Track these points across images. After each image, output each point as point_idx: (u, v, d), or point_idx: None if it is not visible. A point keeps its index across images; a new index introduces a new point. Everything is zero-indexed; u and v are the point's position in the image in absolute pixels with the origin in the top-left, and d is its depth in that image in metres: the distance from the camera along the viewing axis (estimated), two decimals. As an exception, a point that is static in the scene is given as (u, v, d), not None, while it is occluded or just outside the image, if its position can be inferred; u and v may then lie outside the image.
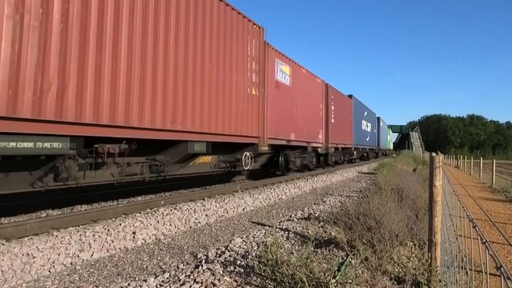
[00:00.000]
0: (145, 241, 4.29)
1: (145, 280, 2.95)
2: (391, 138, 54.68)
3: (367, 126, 27.02)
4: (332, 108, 16.21)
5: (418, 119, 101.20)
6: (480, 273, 2.55)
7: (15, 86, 3.89)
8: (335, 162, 18.33)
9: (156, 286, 2.82)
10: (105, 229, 4.33)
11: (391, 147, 55.15)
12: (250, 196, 7.59)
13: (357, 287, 2.68)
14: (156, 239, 4.40)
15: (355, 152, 22.29)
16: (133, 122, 5.27)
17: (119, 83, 5.04)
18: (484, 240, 1.88)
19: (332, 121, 16.07)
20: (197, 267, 3.18)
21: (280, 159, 11.53)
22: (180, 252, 3.87)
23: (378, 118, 34.42)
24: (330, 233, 4.36)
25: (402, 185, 7.25)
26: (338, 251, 3.64)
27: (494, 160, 14.29)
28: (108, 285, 2.97)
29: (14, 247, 3.50)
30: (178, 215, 5.32)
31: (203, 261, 3.38)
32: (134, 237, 4.28)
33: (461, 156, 29.18)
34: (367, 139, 26.98)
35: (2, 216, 5.24)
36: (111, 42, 4.94)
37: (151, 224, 4.73)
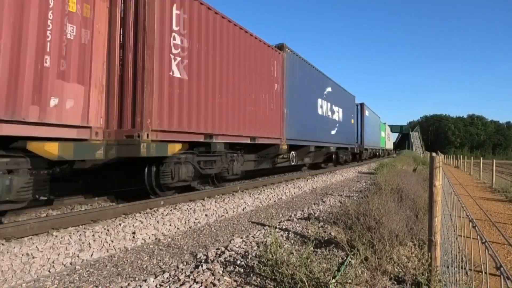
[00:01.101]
0: (144, 241, 4.29)
1: (145, 280, 2.95)
2: (387, 135, 43.72)
3: (332, 111, 16.04)
4: (182, 41, 6.53)
5: (418, 119, 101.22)
6: (480, 273, 2.54)
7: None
8: (213, 179, 8.40)
9: (156, 286, 2.82)
10: (104, 229, 4.33)
11: (388, 146, 44.52)
12: (250, 196, 7.59)
13: (357, 287, 2.67)
14: (156, 239, 4.40)
15: (293, 154, 11.93)
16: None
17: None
18: (484, 240, 1.88)
19: (179, 75, 6.46)
20: (197, 267, 3.18)
21: None
22: (180, 252, 3.87)
23: (362, 105, 24.31)
24: (330, 233, 4.36)
25: (402, 185, 7.25)
26: (338, 251, 3.63)
27: (494, 160, 14.29)
28: (108, 285, 2.97)
29: (14, 247, 3.50)
30: (178, 215, 5.32)
31: (203, 261, 3.37)
32: (133, 237, 4.28)
33: (461, 156, 29.17)
34: (333, 131, 16.16)
35: (2, 216, 5.24)
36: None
37: (150, 224, 4.73)
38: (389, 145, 48.23)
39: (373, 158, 33.05)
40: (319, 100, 14.34)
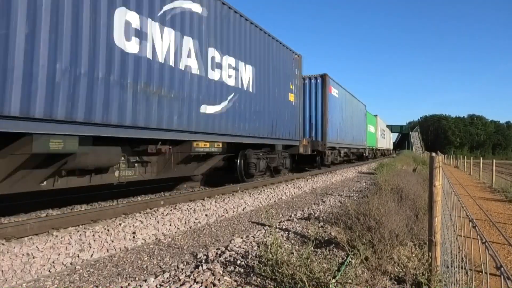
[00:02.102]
0: (145, 241, 4.29)
1: (145, 280, 2.95)
2: (380, 131, 35.11)
3: (207, 62, 7.32)
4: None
5: (418, 119, 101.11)
6: (480, 273, 2.55)
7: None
8: None
9: (156, 286, 2.82)
10: (105, 229, 4.33)
11: (381, 144, 35.77)
12: (250, 196, 7.59)
13: (357, 287, 2.68)
14: (156, 239, 4.40)
15: None
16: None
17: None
18: (484, 240, 1.89)
19: None
20: (197, 267, 3.18)
21: None
22: (180, 252, 3.87)
23: (323, 78, 15.17)
24: (330, 233, 4.36)
25: (402, 185, 7.25)
26: (338, 251, 3.64)
27: (494, 160, 14.30)
28: (108, 285, 2.97)
29: (14, 247, 3.50)
30: (178, 215, 5.32)
31: (203, 261, 3.38)
32: (134, 237, 4.28)
33: (461, 156, 29.18)
34: (213, 108, 7.51)
35: (2, 216, 5.24)
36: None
37: (151, 224, 4.73)
38: (384, 144, 39.20)
39: (358, 161, 24.26)
40: (132, 17, 5.53)
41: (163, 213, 5.33)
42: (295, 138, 11.87)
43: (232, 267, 3.10)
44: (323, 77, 15.20)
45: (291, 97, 11.45)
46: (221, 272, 2.97)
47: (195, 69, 6.95)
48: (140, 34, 5.70)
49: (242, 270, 3.03)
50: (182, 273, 3.02)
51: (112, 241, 4.04)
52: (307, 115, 14.86)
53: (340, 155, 18.14)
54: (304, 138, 12.87)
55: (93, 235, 4.10)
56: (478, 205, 8.18)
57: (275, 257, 2.85)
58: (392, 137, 58.44)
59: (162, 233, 4.60)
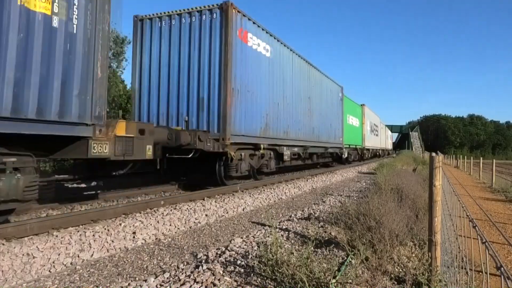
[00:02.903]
0: (145, 241, 4.29)
1: (145, 280, 2.95)
2: (370, 126, 28.32)
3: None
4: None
5: (418, 119, 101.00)
6: (480, 273, 2.55)
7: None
8: None
9: (156, 286, 2.82)
10: (105, 229, 4.33)
11: (372, 143, 29.31)
12: (250, 196, 7.59)
13: (357, 287, 2.68)
14: (156, 239, 4.40)
15: None
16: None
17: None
18: (484, 240, 1.89)
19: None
20: (197, 267, 3.18)
21: None
22: (180, 252, 3.87)
23: (223, 10, 7.72)
24: (330, 233, 4.37)
25: (402, 185, 7.24)
26: (338, 251, 3.64)
27: (494, 160, 14.31)
28: (108, 285, 2.97)
29: (14, 247, 3.50)
30: (178, 215, 5.32)
31: (203, 261, 3.38)
32: (134, 237, 4.28)
33: (461, 156, 29.16)
34: None
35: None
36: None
37: (151, 224, 4.73)
38: (376, 143, 32.30)
39: (332, 165, 17.74)
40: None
41: (163, 213, 5.33)
42: (65, 117, 4.22)
43: (232, 267, 3.10)
44: (224, 8, 7.89)
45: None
46: (221, 272, 2.98)
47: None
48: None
49: (242, 270, 3.03)
50: (182, 273, 3.02)
51: (112, 241, 4.04)
52: (195, 84, 8.16)
53: (281, 159, 11.01)
54: (120, 121, 5.25)
55: (93, 235, 4.10)
56: (478, 205, 8.19)
57: (275, 257, 2.85)
58: (392, 137, 58.27)
59: (162, 233, 4.60)
